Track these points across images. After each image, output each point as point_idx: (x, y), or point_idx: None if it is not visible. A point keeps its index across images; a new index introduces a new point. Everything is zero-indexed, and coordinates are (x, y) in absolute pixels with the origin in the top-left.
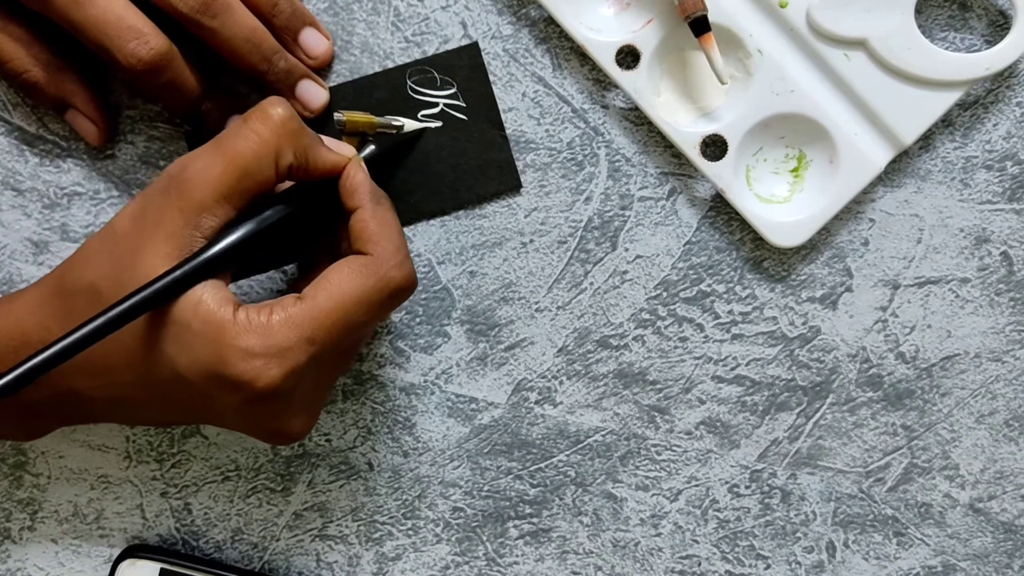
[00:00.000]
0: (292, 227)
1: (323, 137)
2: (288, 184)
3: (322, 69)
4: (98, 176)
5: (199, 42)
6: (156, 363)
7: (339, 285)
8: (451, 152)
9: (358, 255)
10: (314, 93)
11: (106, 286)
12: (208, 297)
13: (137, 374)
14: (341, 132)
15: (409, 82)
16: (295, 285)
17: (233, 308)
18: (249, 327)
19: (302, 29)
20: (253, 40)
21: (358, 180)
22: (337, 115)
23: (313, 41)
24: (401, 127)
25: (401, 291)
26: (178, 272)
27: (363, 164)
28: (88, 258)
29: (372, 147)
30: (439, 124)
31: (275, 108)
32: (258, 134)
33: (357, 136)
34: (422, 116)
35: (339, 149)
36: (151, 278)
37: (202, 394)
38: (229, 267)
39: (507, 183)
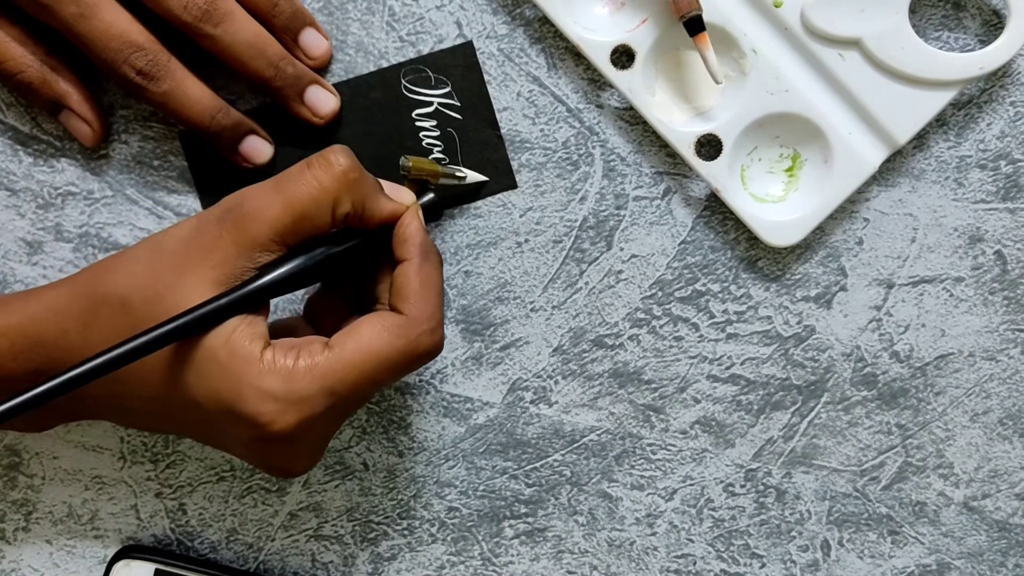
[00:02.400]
0: (340, 266)
1: (383, 182)
2: None
3: (319, 70)
4: (92, 176)
5: (211, 57)
6: (174, 385)
7: (368, 341)
8: (446, 151)
9: (393, 313)
10: (323, 99)
11: (139, 301)
12: (242, 330)
13: (153, 391)
14: (405, 178)
15: (404, 81)
16: (314, 305)
17: (262, 345)
18: (273, 368)
19: (302, 30)
20: (257, 46)
21: (412, 230)
22: (403, 160)
23: (313, 41)
24: (464, 178)
25: (426, 356)
26: (223, 300)
27: (420, 212)
28: (126, 269)
29: (431, 195)
30: (486, 179)
31: (338, 157)
32: (319, 181)
33: (419, 183)
34: (416, 115)
35: (398, 195)
36: (192, 301)
37: (213, 422)
38: (268, 301)
39: (502, 182)
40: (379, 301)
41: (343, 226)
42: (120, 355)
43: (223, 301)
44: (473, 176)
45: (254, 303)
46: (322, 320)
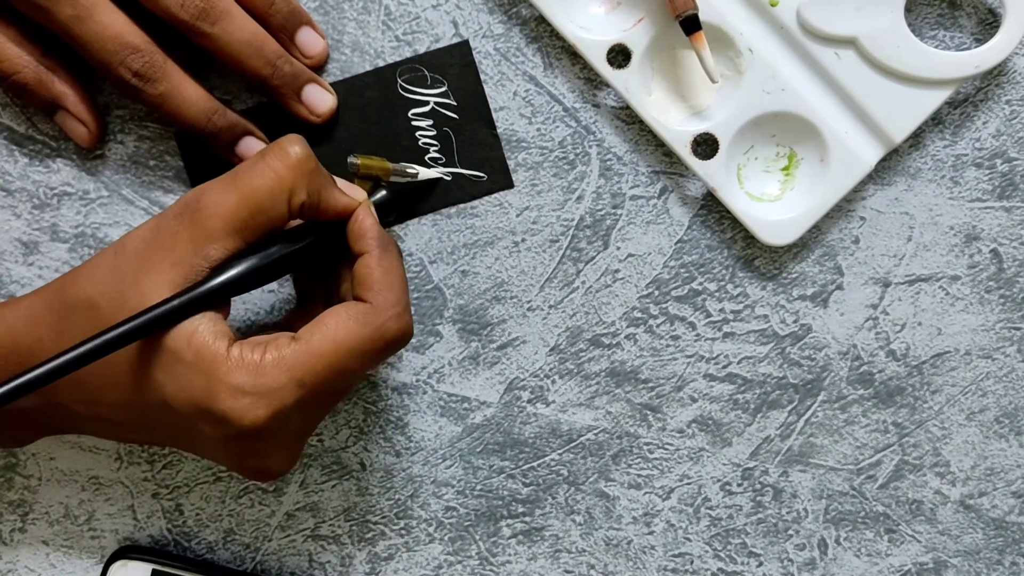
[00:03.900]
0: (296, 264)
1: (336, 179)
2: (297, 221)
3: (316, 68)
4: (88, 176)
5: (206, 57)
6: (144, 388)
7: (335, 331)
8: (442, 151)
9: (357, 302)
10: (321, 97)
11: (105, 303)
12: (204, 329)
13: (124, 397)
14: (354, 175)
15: (400, 80)
16: (291, 320)
17: (228, 343)
18: (241, 364)
19: (299, 29)
20: (255, 44)
21: (367, 225)
22: (351, 159)
23: (309, 40)
24: (415, 175)
25: (396, 342)
26: (176, 302)
27: (372, 209)
28: (92, 274)
29: (384, 192)
30: (450, 177)
31: (293, 146)
32: (274, 171)
33: (369, 180)
34: (413, 114)
35: (350, 192)
36: (152, 302)
37: (187, 424)
38: (229, 299)
39: (499, 182)
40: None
41: (299, 217)
42: (76, 357)
43: (176, 302)
44: (425, 173)
45: (211, 301)
46: None
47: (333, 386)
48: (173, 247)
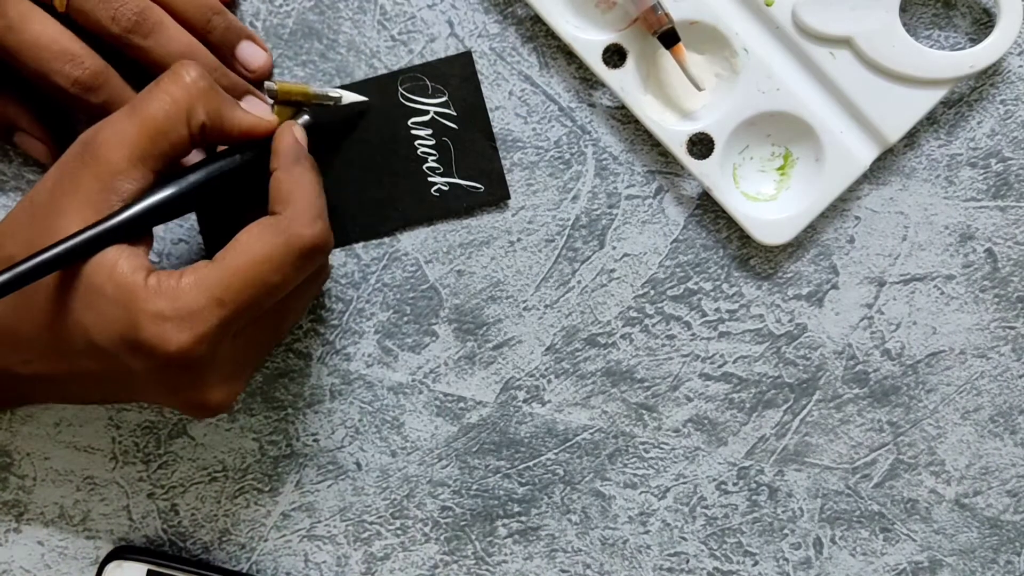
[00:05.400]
0: (215, 192)
1: (244, 100)
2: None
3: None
4: None
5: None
6: (70, 331)
7: (248, 245)
8: (441, 160)
9: (269, 216)
10: (258, 109)
11: (22, 255)
12: (123, 262)
13: (52, 344)
14: (273, 100)
15: (400, 89)
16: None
17: (145, 273)
18: (159, 291)
19: (238, 43)
20: (189, 55)
21: (281, 144)
22: (268, 83)
23: (251, 54)
24: (339, 99)
25: (312, 250)
26: (89, 233)
27: (296, 131)
28: (6, 231)
29: (306, 117)
30: (366, 99)
31: (187, 69)
32: (169, 94)
33: (292, 106)
34: (412, 123)
35: (256, 110)
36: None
37: (116, 362)
38: (147, 232)
39: (495, 194)
40: None
41: (204, 141)
42: None
43: (88, 233)
44: (349, 97)
45: (126, 233)
46: None
47: (257, 304)
48: (79, 187)
